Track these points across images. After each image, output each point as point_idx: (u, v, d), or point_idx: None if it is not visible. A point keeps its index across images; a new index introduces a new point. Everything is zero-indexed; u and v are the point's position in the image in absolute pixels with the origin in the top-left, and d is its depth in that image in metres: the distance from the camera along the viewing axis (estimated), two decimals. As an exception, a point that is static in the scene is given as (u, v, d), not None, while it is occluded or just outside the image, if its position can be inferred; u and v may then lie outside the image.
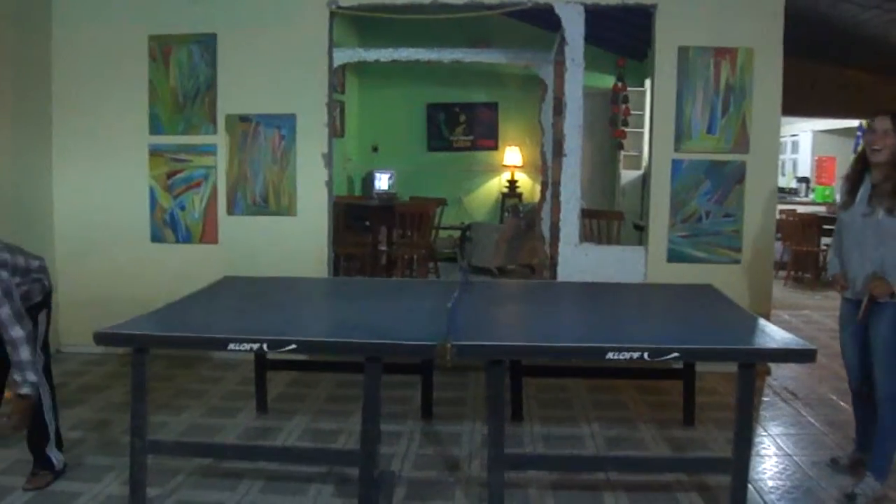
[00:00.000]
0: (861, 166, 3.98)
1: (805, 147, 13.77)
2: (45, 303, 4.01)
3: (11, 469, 4.14)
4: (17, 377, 3.56)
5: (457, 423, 4.94)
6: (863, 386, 4.07)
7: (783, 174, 13.33)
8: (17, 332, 3.54)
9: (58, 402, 4.12)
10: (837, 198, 4.13)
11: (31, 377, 3.57)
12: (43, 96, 6.31)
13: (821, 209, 11.10)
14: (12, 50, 5.86)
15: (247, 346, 3.50)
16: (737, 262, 5.97)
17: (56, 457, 4.03)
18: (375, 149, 12.68)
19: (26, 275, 3.84)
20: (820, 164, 13.39)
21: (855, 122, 11.35)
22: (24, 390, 3.55)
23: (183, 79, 6.29)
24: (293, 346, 3.50)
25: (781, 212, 9.80)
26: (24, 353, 3.55)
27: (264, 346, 3.52)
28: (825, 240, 9.84)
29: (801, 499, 3.90)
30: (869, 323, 3.88)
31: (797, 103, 5.95)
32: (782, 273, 10.26)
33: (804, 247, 10.17)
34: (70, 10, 6.37)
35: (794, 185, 13.18)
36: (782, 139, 12.25)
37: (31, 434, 3.96)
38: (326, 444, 4.61)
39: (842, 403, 5.12)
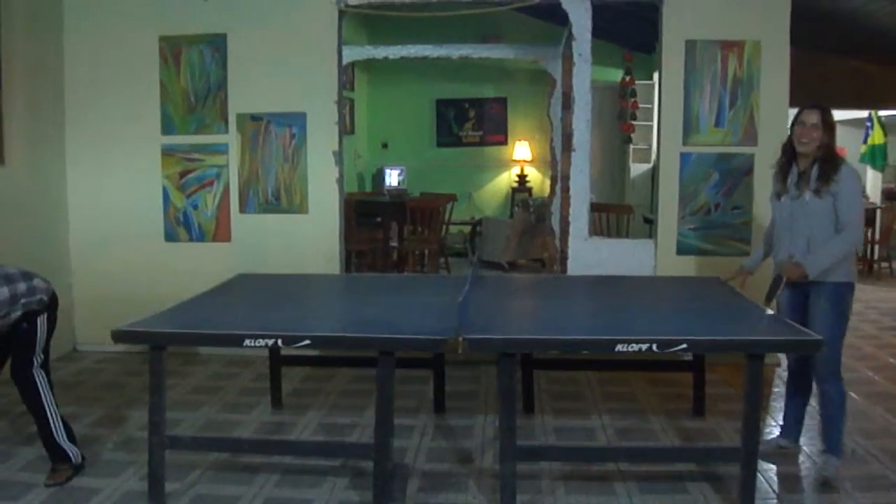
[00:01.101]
0: (788, 157, 4.15)
1: (815, 138, 13.69)
2: (43, 310, 4.03)
3: (31, 466, 4.21)
4: None
5: (469, 416, 5.00)
6: (801, 366, 4.22)
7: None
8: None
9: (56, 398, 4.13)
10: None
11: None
12: (56, 99, 6.38)
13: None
14: (25, 53, 5.92)
15: (262, 342, 3.57)
16: (746, 254, 5.96)
17: (71, 449, 4.10)
18: (385, 145, 12.73)
19: (13, 303, 3.83)
20: (831, 156, 13.35)
21: (864, 113, 11.35)
22: None
23: (194, 79, 6.36)
24: (307, 341, 3.56)
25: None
26: None
27: (279, 342, 3.58)
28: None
29: (809, 487, 3.94)
30: (809, 304, 4.04)
31: (806, 95, 5.93)
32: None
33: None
34: (81, 14, 6.44)
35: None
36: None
37: (39, 431, 4.06)
38: (341, 438, 4.67)
39: (851, 393, 5.14)
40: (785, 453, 4.29)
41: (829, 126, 4.00)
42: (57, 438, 4.07)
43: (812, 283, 4.00)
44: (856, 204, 3.96)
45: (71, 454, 4.10)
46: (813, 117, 3.99)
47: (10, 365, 4.05)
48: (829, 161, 3.98)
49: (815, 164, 4.01)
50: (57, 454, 4.08)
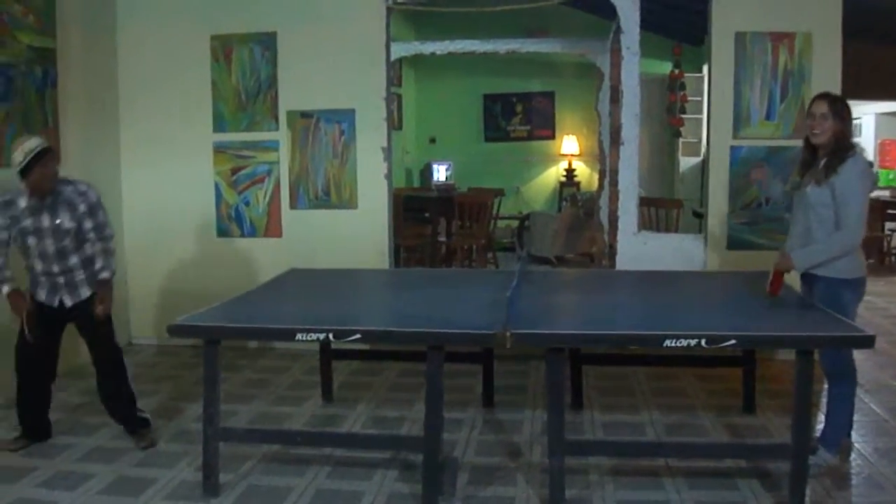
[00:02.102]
0: (810, 150, 4.08)
1: (868, 130, 13.43)
2: None
3: (90, 456, 4.34)
4: (104, 264, 4.36)
5: (517, 411, 5.02)
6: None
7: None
8: (111, 231, 4.42)
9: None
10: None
11: (114, 265, 4.41)
12: (110, 98, 6.52)
13: (884, 193, 10.86)
14: (80, 53, 6.07)
15: (313, 336, 3.64)
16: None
17: (144, 414, 4.51)
18: (433, 140, 12.76)
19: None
20: (883, 148, 13.07)
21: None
22: (105, 275, 4.36)
23: (245, 77, 6.45)
24: (357, 335, 3.62)
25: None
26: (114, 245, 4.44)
27: (330, 336, 3.65)
28: (889, 224, 9.64)
29: (861, 485, 3.90)
30: (811, 293, 4.04)
31: (857, 87, 5.86)
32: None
33: (867, 231, 9.94)
34: (134, 14, 6.58)
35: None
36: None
37: (122, 403, 4.47)
38: (391, 431, 4.72)
39: (872, 406, 5.06)
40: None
41: (839, 115, 3.92)
42: (138, 410, 4.50)
43: (813, 278, 4.01)
44: (853, 201, 3.85)
45: (148, 416, 4.52)
46: (822, 107, 3.94)
47: (95, 339, 4.44)
48: (838, 151, 3.91)
49: (825, 157, 3.96)
50: (139, 422, 4.48)
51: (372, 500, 3.80)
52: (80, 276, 4.36)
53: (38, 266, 4.30)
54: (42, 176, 4.12)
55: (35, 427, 4.50)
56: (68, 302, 4.36)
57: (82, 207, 4.29)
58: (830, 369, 3.97)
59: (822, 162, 3.95)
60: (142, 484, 3.98)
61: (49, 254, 4.26)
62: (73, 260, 4.32)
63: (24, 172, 4.09)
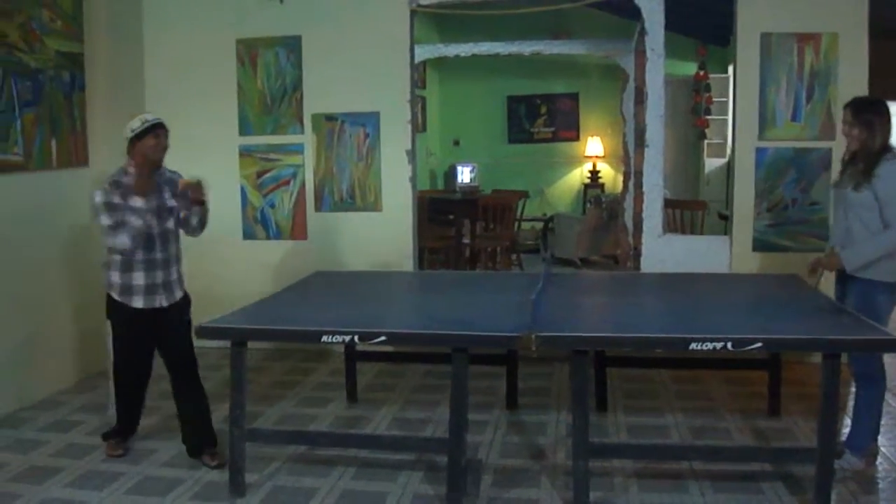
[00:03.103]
0: (853, 151, 4.15)
1: (897, 130, 13.31)
2: None
3: (173, 461, 4.40)
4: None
5: (542, 413, 5.02)
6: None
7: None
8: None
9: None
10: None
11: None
12: (136, 100, 6.56)
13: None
14: (106, 56, 6.12)
15: (339, 338, 3.66)
16: (824, 250, 5.87)
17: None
18: (457, 142, 12.78)
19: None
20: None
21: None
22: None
23: (270, 81, 6.50)
24: (383, 337, 3.65)
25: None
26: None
27: (355, 338, 3.67)
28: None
29: (887, 489, 3.87)
30: (844, 300, 4.09)
31: (885, 87, 5.80)
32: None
33: None
34: (160, 17, 6.64)
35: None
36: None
37: (206, 413, 4.43)
38: (415, 433, 4.74)
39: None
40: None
41: (864, 123, 3.97)
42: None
43: (849, 279, 4.05)
44: None
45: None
46: (847, 115, 4.05)
47: (182, 345, 4.36)
48: (868, 156, 3.96)
49: (860, 161, 4.03)
50: (213, 435, 4.40)
51: (396, 501, 3.82)
52: (176, 273, 4.36)
53: (140, 255, 4.15)
54: (156, 146, 4.19)
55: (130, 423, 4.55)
56: (164, 303, 4.27)
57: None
58: (860, 372, 3.98)
59: (859, 166, 4.00)
60: (169, 484, 4.03)
61: (155, 238, 4.20)
62: (174, 248, 4.34)
63: (137, 139, 4.14)
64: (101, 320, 4.55)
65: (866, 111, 4.00)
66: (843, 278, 4.11)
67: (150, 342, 4.33)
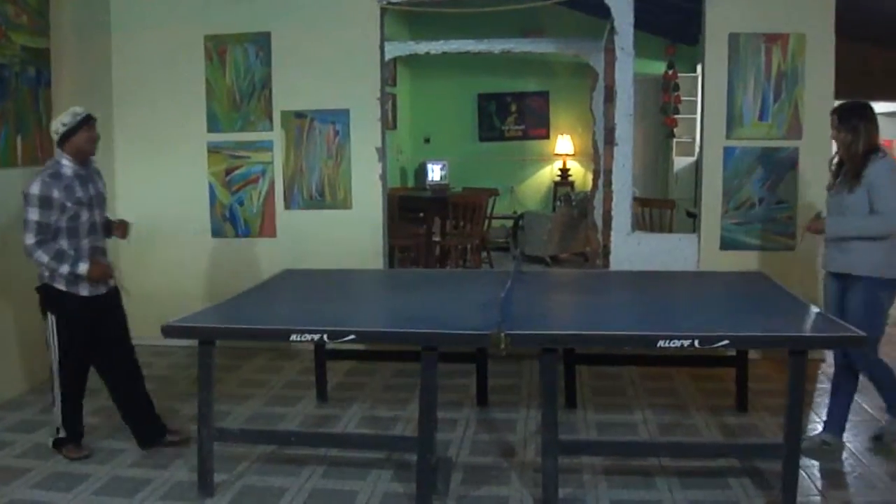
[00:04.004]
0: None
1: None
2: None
3: (141, 462, 4.33)
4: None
5: (511, 410, 5.03)
6: (847, 361, 4.29)
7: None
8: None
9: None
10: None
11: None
12: (104, 98, 6.50)
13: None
14: (73, 52, 6.05)
15: (308, 337, 3.65)
16: (790, 248, 5.94)
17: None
18: (427, 140, 12.77)
19: None
20: (880, 147, 13.11)
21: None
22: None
23: (239, 77, 6.46)
24: (352, 336, 3.63)
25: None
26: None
27: (324, 337, 3.66)
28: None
29: (852, 484, 3.92)
30: (845, 298, 4.20)
31: (850, 88, 5.88)
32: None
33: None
34: (128, 14, 6.57)
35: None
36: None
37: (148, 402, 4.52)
38: (385, 431, 4.73)
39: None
40: (829, 449, 4.26)
41: (849, 126, 4.11)
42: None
43: (849, 276, 4.15)
44: (886, 191, 4.00)
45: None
46: (833, 121, 4.20)
47: (121, 333, 4.55)
48: (854, 159, 4.11)
49: (849, 164, 4.17)
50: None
51: (366, 499, 3.81)
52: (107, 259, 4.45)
53: (87, 244, 4.25)
54: (88, 139, 4.27)
55: (81, 425, 4.46)
56: (104, 290, 4.37)
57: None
58: (860, 365, 4.20)
59: (851, 170, 4.14)
60: (137, 484, 3.99)
61: (97, 226, 4.33)
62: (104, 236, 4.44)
63: (70, 134, 4.19)
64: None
65: (851, 116, 4.13)
66: (845, 277, 4.20)
67: (94, 332, 4.34)
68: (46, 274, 4.20)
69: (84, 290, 4.25)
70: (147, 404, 4.51)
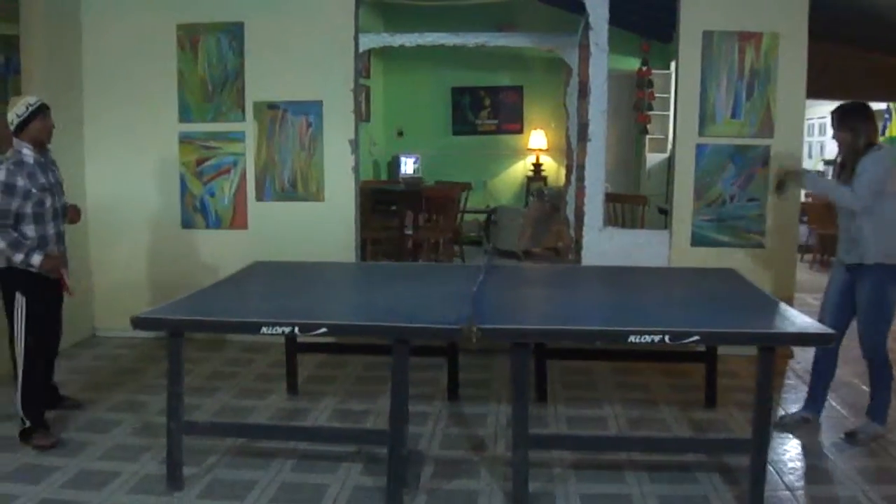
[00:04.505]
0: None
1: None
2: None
3: (52, 450, 4.29)
4: None
5: (482, 404, 5.04)
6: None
7: (810, 157, 13.23)
8: None
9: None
10: None
11: None
12: (74, 86, 6.42)
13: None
14: (43, 41, 5.97)
15: (279, 330, 3.62)
16: (760, 245, 6.00)
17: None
18: (401, 133, 12.74)
19: None
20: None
21: (882, 105, 11.28)
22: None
23: (211, 67, 6.40)
24: (323, 329, 3.61)
25: (808, 194, 9.74)
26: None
27: (296, 330, 3.63)
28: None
29: (819, 479, 3.97)
30: (855, 286, 4.37)
31: (822, 87, 5.94)
32: (808, 256, 10.24)
33: (830, 230, 10.10)
34: (99, 1, 6.48)
35: (821, 167, 13.11)
36: (809, 121, 12.16)
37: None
38: (356, 425, 4.72)
39: (863, 387, 5.14)
40: (807, 426, 4.55)
41: (848, 126, 4.30)
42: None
43: (856, 266, 4.32)
44: (865, 175, 4.19)
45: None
46: (833, 121, 4.39)
47: (59, 315, 4.62)
48: (854, 157, 4.29)
49: (850, 162, 4.35)
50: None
51: (336, 493, 3.80)
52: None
53: (52, 229, 4.38)
54: (43, 128, 4.36)
55: (44, 410, 4.45)
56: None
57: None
58: (867, 352, 4.35)
59: (848, 165, 4.33)
60: (105, 477, 3.95)
61: (59, 211, 4.45)
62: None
63: (25, 124, 4.27)
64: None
65: (850, 116, 4.31)
66: (853, 267, 4.37)
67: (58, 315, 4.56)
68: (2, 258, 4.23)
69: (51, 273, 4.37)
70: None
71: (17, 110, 4.27)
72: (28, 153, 4.27)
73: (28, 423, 4.29)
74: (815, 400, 4.66)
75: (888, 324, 4.32)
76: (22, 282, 4.26)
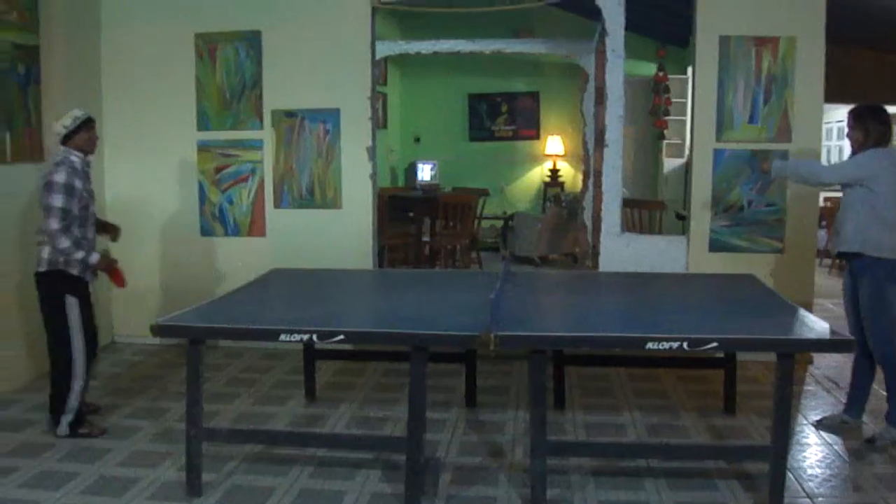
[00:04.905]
0: None
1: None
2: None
3: (72, 456, 4.31)
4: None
5: (500, 411, 5.03)
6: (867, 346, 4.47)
7: (828, 161, 13.19)
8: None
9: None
10: None
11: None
12: (94, 96, 6.47)
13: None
14: (63, 51, 6.03)
15: (297, 337, 3.64)
16: (779, 251, 5.97)
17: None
18: (418, 140, 12.76)
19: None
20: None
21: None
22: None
23: (229, 76, 6.44)
24: (341, 336, 3.63)
25: (826, 199, 9.70)
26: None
27: (314, 337, 3.65)
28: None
29: (839, 486, 3.94)
30: (856, 285, 4.43)
31: (840, 91, 5.91)
32: (827, 261, 10.18)
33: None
34: (118, 11, 6.54)
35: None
36: (828, 125, 12.09)
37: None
38: (374, 431, 4.73)
39: (882, 392, 5.11)
40: (847, 428, 4.54)
41: (862, 126, 4.37)
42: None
43: (853, 256, 4.39)
44: (849, 161, 4.47)
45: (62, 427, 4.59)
46: (849, 120, 4.43)
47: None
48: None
49: None
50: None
51: (354, 499, 3.80)
52: None
53: (90, 233, 4.60)
54: (89, 139, 4.55)
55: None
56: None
57: None
58: (876, 352, 4.35)
59: None
60: (125, 484, 3.97)
61: (94, 217, 4.66)
62: None
63: (72, 135, 4.47)
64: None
65: (865, 117, 4.38)
66: (855, 269, 4.42)
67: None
68: (61, 259, 4.43)
69: (87, 276, 4.56)
70: None
71: (64, 122, 4.47)
72: (76, 159, 4.47)
73: (73, 417, 4.51)
74: (852, 404, 4.67)
75: (890, 321, 4.33)
76: (71, 285, 4.47)
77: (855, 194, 4.36)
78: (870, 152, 4.33)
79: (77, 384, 4.49)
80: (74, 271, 4.47)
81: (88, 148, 4.57)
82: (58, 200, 4.30)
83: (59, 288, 4.46)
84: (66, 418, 4.51)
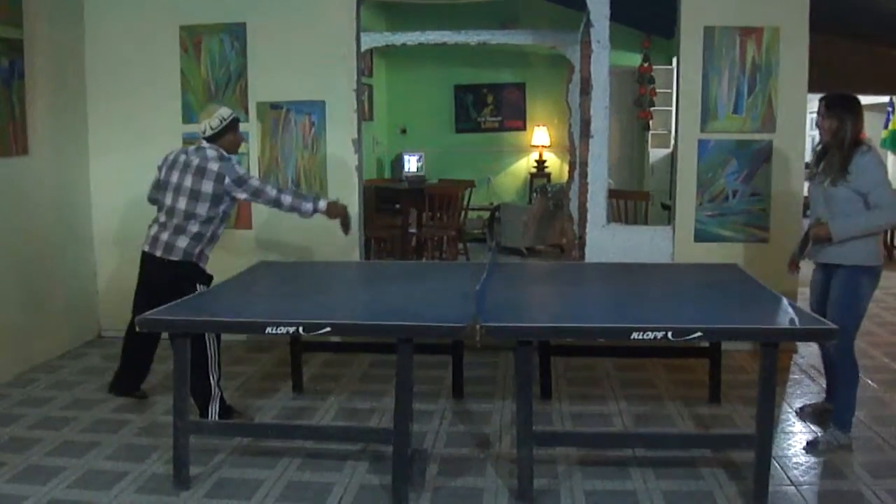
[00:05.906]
0: (825, 145, 4.41)
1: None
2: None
3: (60, 450, 4.31)
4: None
5: (487, 402, 5.05)
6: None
7: (813, 151, 13.25)
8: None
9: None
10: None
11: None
12: (78, 89, 6.44)
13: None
14: (47, 44, 5.98)
15: (283, 330, 3.64)
16: (764, 240, 6.01)
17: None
18: (404, 131, 12.75)
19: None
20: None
21: (885, 98, 11.26)
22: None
23: (214, 68, 6.41)
24: (328, 328, 3.63)
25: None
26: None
27: (300, 329, 3.65)
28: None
29: (824, 474, 3.97)
30: (829, 286, 4.30)
31: (825, 81, 5.93)
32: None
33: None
34: (102, 4, 6.49)
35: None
36: (812, 115, 12.12)
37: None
38: (361, 423, 4.74)
39: (867, 380, 5.15)
40: (829, 415, 4.42)
41: (836, 114, 4.21)
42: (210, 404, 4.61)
43: (831, 267, 4.25)
44: (881, 186, 4.10)
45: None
46: (821, 108, 4.28)
47: None
48: (841, 149, 4.18)
49: (833, 156, 4.24)
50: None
51: (342, 491, 3.82)
52: None
53: (220, 230, 4.76)
54: (235, 140, 4.71)
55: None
56: None
57: None
58: (835, 351, 4.25)
59: (834, 159, 4.22)
60: (112, 477, 3.97)
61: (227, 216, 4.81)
62: None
63: (219, 136, 4.60)
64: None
65: (837, 105, 4.24)
66: (826, 266, 4.33)
67: None
68: (197, 251, 4.61)
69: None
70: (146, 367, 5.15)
71: (211, 122, 4.58)
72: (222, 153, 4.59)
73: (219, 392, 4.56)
74: (832, 391, 4.62)
75: (856, 322, 4.24)
76: (202, 275, 4.62)
77: (858, 205, 4.15)
78: (870, 161, 4.13)
79: (214, 373, 4.51)
80: (202, 264, 4.64)
81: (233, 150, 4.68)
82: (253, 179, 4.61)
83: (192, 278, 4.54)
84: (213, 406, 4.51)
